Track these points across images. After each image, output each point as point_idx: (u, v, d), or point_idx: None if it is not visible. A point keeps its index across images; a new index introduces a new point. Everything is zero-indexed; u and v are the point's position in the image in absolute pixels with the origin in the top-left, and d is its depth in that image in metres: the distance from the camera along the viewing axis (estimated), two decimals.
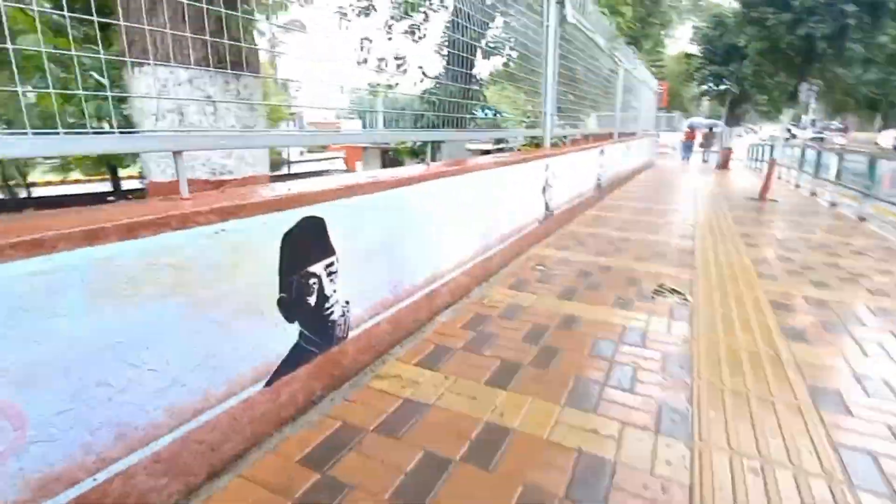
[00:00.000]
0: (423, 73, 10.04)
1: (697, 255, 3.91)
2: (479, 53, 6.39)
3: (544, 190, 4.11)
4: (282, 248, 1.45)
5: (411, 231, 2.14)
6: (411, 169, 2.32)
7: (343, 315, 1.75)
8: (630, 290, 3.01)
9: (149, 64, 2.33)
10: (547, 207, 4.25)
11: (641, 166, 11.50)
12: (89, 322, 1.00)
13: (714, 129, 16.73)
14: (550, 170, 4.18)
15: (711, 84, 14.23)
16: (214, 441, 1.32)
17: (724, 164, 13.91)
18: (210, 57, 2.47)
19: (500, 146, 10.45)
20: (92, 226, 0.98)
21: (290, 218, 1.47)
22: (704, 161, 16.51)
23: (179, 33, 2.15)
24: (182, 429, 1.23)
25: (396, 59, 9.60)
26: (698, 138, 17.48)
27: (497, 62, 6.81)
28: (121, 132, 1.28)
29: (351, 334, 1.81)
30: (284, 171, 21.97)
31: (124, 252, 1.04)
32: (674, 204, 6.65)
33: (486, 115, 7.36)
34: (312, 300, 1.59)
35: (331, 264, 1.65)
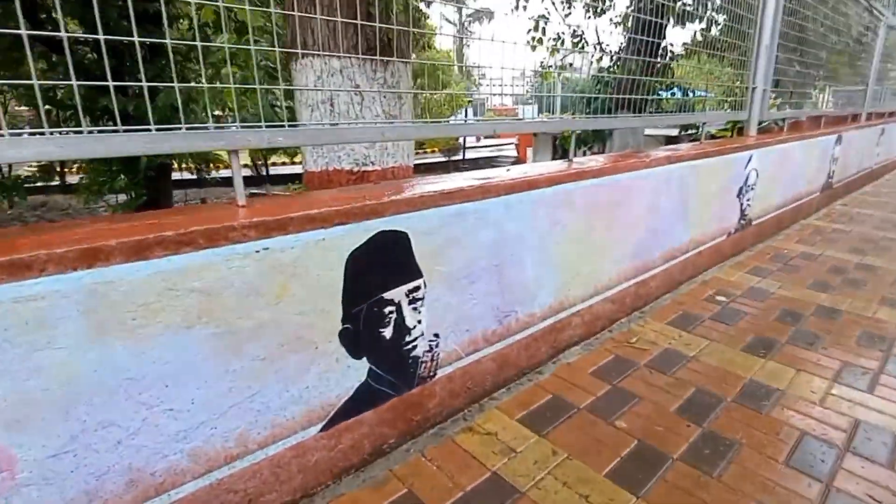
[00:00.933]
0: (601, 49, 9.03)
1: None
2: (670, 20, 5.31)
3: (741, 192, 3.11)
4: (346, 270, 1.17)
5: (532, 247, 1.68)
6: (545, 167, 1.83)
7: (430, 350, 1.42)
8: (870, 353, 2.01)
9: (306, 55, 2.36)
10: (743, 215, 3.23)
11: None
12: (91, 356, 0.86)
13: None
14: (753, 165, 3.15)
15: None
16: (253, 491, 1.13)
17: None
18: (360, 45, 2.43)
19: (690, 132, 8.81)
20: (91, 244, 0.82)
21: (360, 233, 1.17)
22: None
23: (331, 19, 2.08)
24: (210, 476, 1.05)
25: (573, 36, 8.80)
26: None
27: (695, 29, 5.60)
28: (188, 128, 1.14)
29: (440, 373, 1.47)
30: (460, 157, 22.98)
31: (133, 274, 0.87)
32: None
33: (671, 94, 6.16)
34: (388, 332, 1.29)
35: (415, 289, 1.32)
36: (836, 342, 2.12)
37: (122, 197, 5.79)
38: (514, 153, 24.47)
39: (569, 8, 8.67)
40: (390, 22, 2.49)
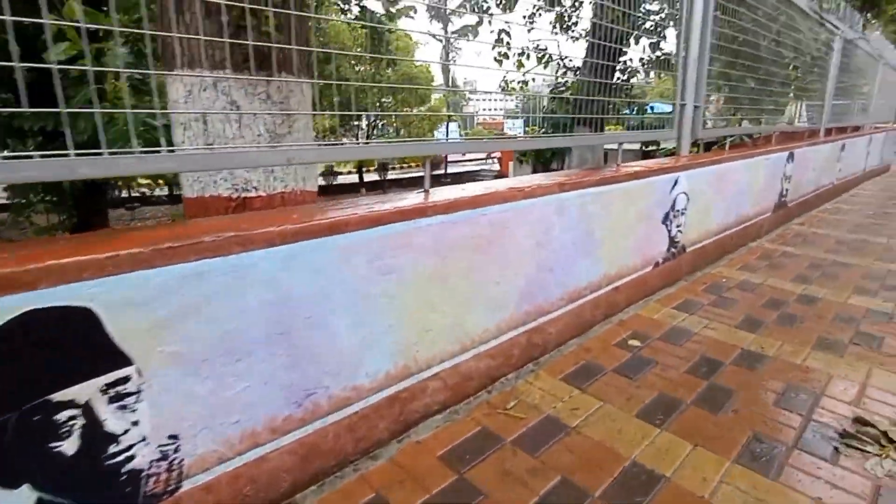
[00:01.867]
0: (564, 66, 8.84)
1: None
2: (630, 38, 5.11)
3: (668, 218, 2.82)
4: None
5: (345, 304, 1.33)
6: (379, 203, 1.49)
7: (164, 459, 1.05)
8: (788, 420, 1.68)
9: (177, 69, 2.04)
10: (673, 242, 2.93)
11: (867, 172, 8.35)
12: None
13: None
14: (681, 188, 2.85)
15: None
16: None
17: None
18: (237, 57, 2.13)
19: (650, 149, 8.63)
20: None
21: None
22: None
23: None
24: None
25: (538, 51, 8.62)
26: None
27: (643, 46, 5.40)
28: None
29: (188, 485, 1.10)
30: (441, 171, 22.78)
31: None
32: None
33: (644, 111, 5.95)
34: (69, 446, 0.92)
35: (119, 382, 0.96)
36: (751, 403, 1.79)
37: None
38: (498, 167, 24.39)
39: (531, 23, 8.51)
40: (265, 32, 2.17)
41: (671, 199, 2.80)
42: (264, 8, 1.63)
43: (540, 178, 2.01)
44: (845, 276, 3.27)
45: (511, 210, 1.78)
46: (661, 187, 2.69)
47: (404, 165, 23.62)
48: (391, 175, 21.82)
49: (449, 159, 23.40)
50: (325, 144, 2.02)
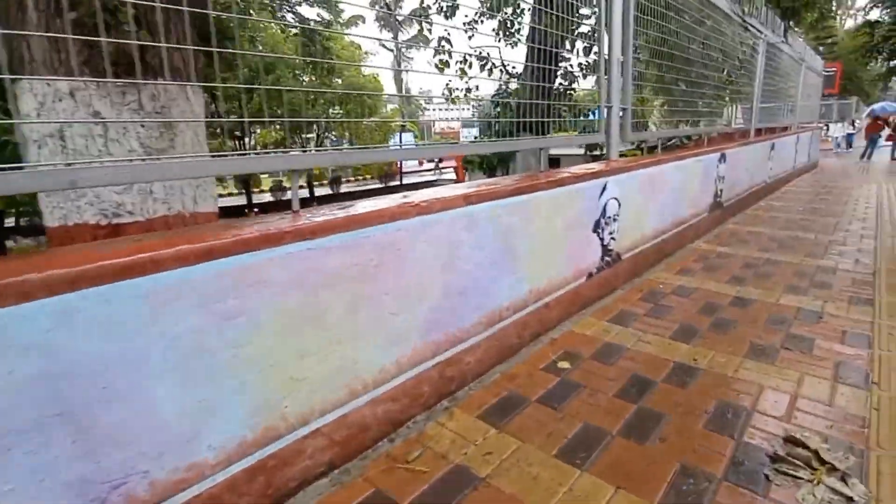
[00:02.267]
0: (507, 73, 8.80)
1: (883, 350, 2.13)
2: (568, 42, 5.04)
3: (599, 225, 2.68)
4: None
5: (165, 366, 1.05)
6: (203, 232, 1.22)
7: None
8: (717, 446, 1.52)
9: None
10: (606, 251, 2.79)
11: (797, 170, 8.74)
12: None
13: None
14: (611, 193, 2.73)
15: None
16: None
17: None
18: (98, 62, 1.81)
19: (595, 153, 8.68)
20: None
21: None
22: (894, 158, 12.42)
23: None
24: None
25: (480, 59, 8.54)
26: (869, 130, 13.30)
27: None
28: None
29: None
30: (397, 182, 22.43)
31: None
32: (837, 230, 4.47)
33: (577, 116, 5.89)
34: None
35: None
36: (681, 428, 1.63)
37: None
38: (454, 175, 24.34)
39: (472, 29, 8.45)
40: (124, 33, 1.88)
41: (601, 205, 2.66)
42: None
43: (442, 192, 1.79)
44: (777, 274, 3.24)
45: (405, 229, 1.55)
46: (589, 194, 2.55)
47: (359, 178, 23.19)
48: (347, 188, 21.36)
49: (404, 169, 23.18)
50: (218, 156, 1.75)
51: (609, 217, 2.75)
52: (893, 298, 2.77)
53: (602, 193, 2.65)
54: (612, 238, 2.83)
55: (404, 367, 1.63)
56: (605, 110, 2.92)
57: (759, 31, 5.76)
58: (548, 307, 2.33)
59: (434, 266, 1.69)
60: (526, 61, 5.51)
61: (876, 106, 12.81)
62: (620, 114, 3.02)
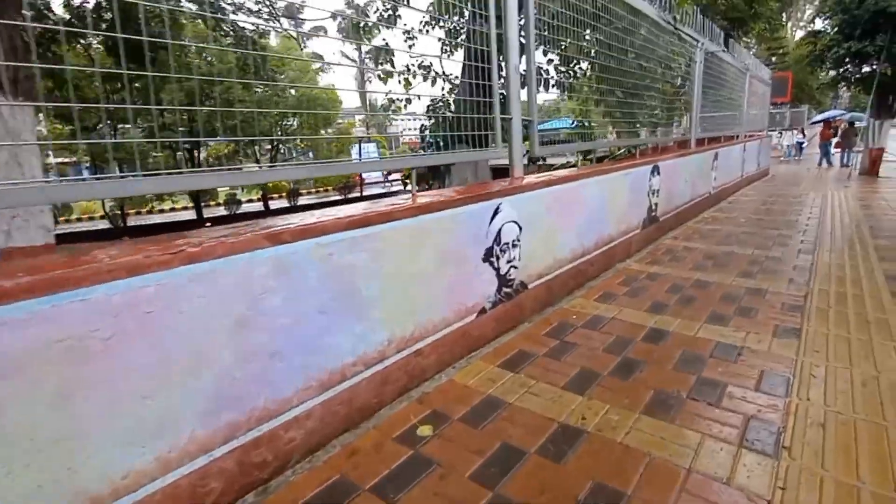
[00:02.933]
0: (449, 82, 8.51)
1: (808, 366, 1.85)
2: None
3: (493, 254, 2.35)
4: None
5: None
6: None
7: None
8: None
9: None
10: (505, 281, 2.46)
11: (746, 178, 8.73)
12: None
13: (857, 123, 12.75)
14: (507, 216, 2.41)
15: (850, 66, 10.75)
16: None
17: (871, 169, 10.36)
18: None
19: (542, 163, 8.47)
20: None
21: None
22: (844, 165, 12.71)
23: None
24: None
25: (421, 68, 8.26)
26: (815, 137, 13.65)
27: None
28: None
29: None
30: (357, 194, 21.93)
31: None
32: (776, 245, 4.30)
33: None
34: None
35: None
36: None
37: None
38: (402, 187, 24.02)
39: (411, 40, 8.15)
40: None
41: (492, 231, 2.33)
42: None
43: (230, 232, 1.42)
44: (703, 299, 2.98)
45: (159, 285, 1.16)
46: (475, 219, 2.21)
47: (319, 189, 22.63)
48: (305, 200, 20.78)
49: (367, 181, 22.75)
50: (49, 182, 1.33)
51: (506, 243, 2.43)
52: (821, 326, 2.53)
53: (494, 217, 2.32)
54: (513, 266, 2.51)
55: (173, 463, 1.24)
56: (501, 122, 2.61)
57: (695, 39, 5.64)
58: (420, 355, 1.97)
59: (220, 326, 1.31)
60: (462, 73, 5.25)
61: (832, 113, 13.17)
62: (520, 126, 2.72)
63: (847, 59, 10.59)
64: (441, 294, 2.07)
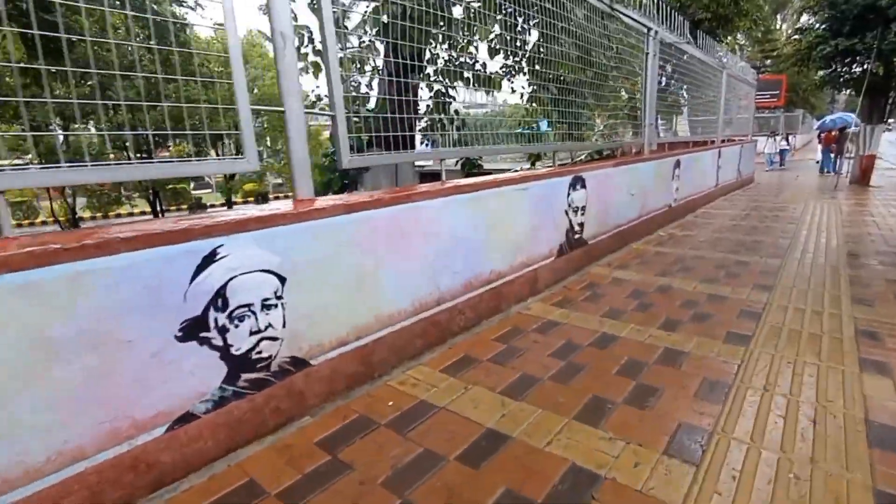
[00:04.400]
0: (379, 76, 7.65)
1: None
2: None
3: (206, 327, 1.47)
4: None
5: None
6: None
7: None
8: None
9: None
10: (249, 364, 1.59)
11: (719, 188, 7.85)
12: None
13: (848, 129, 11.86)
14: (244, 264, 1.53)
15: (838, 66, 9.91)
16: None
17: (863, 178, 9.50)
18: None
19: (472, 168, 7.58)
20: None
21: None
22: (823, 171, 11.84)
23: None
24: None
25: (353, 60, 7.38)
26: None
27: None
28: None
29: None
30: None
31: None
32: (730, 277, 3.42)
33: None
34: None
35: None
36: None
37: None
38: None
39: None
40: None
41: (205, 291, 1.45)
42: None
43: None
44: (596, 370, 2.10)
45: None
46: (148, 279, 1.33)
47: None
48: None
49: None
50: None
51: (243, 306, 1.55)
52: (743, 424, 1.65)
53: (201, 272, 1.44)
54: (265, 339, 1.62)
55: None
56: (290, 122, 1.74)
57: (644, 25, 4.78)
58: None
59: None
60: (381, 73, 4.42)
61: (831, 117, 12.22)
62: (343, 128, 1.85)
63: (836, 58, 9.76)
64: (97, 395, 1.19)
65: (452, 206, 2.36)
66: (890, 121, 14.68)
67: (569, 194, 3.42)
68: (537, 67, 4.14)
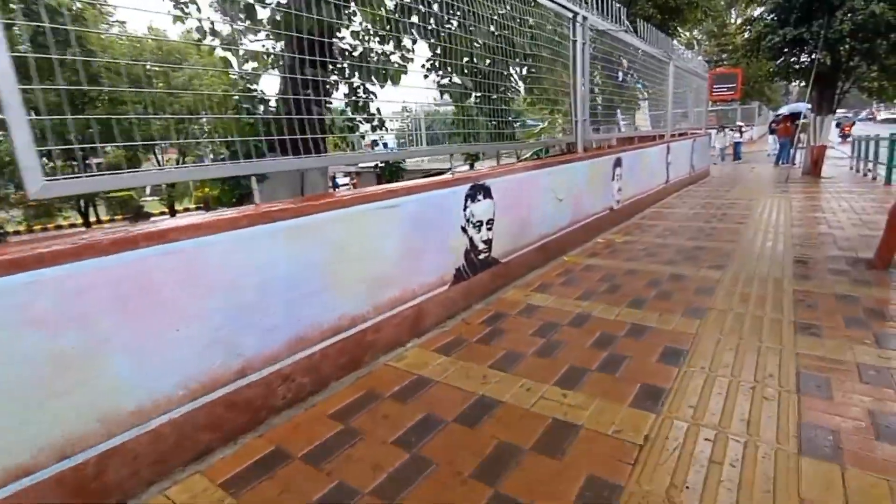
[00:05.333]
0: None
1: None
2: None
3: None
4: None
5: None
6: None
7: None
8: None
9: None
10: None
11: (671, 185, 7.44)
12: None
13: (799, 120, 11.73)
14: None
15: (787, 56, 9.69)
16: None
17: (814, 169, 9.31)
18: None
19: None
20: None
21: None
22: (779, 163, 11.71)
23: None
24: None
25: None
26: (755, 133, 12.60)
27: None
28: None
29: None
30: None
31: None
32: (660, 301, 2.89)
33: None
34: None
35: None
36: None
37: None
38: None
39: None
40: None
41: None
42: None
43: None
44: (451, 464, 1.49)
45: None
46: None
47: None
48: None
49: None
50: None
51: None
52: None
53: None
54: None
55: None
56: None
57: (569, 10, 4.23)
58: None
59: None
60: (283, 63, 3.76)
61: (788, 107, 11.97)
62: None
63: (784, 48, 9.53)
64: None
65: (261, 241, 1.71)
66: (839, 111, 14.76)
67: (466, 207, 2.82)
68: (442, 57, 3.56)
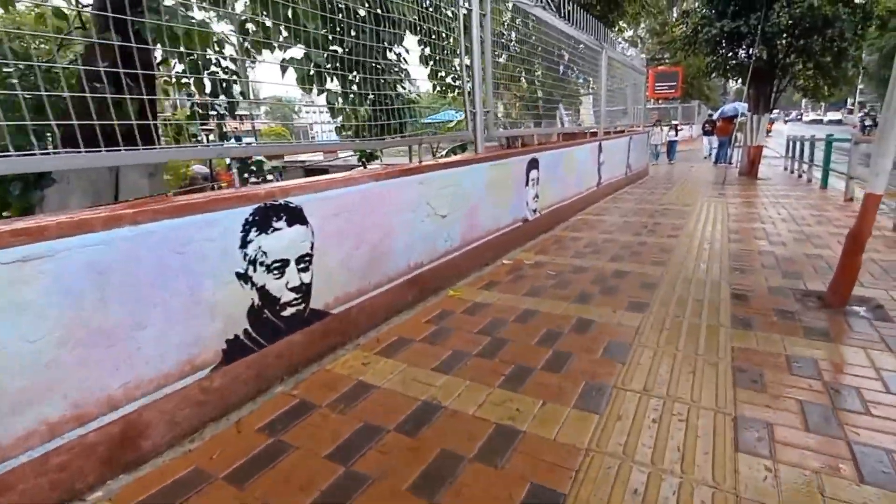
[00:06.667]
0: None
1: None
2: None
3: None
4: None
5: None
6: None
7: None
8: None
9: None
10: None
11: (601, 190, 6.69)
12: None
13: (737, 118, 11.45)
14: None
15: (724, 50, 9.29)
16: None
17: (750, 170, 8.94)
18: None
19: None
20: None
21: None
22: (718, 162, 11.42)
23: None
24: None
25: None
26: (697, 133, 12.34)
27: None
28: None
29: None
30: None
31: None
32: (548, 373, 2.00)
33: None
34: None
35: None
36: None
37: None
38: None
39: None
40: None
41: None
42: None
43: None
44: None
45: None
46: None
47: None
48: None
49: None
50: None
51: None
52: None
53: None
54: None
55: None
56: None
57: None
58: None
59: None
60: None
61: (727, 107, 11.62)
62: None
63: (721, 42, 9.11)
64: None
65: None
66: (776, 111, 14.83)
67: (248, 243, 1.79)
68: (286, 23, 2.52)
